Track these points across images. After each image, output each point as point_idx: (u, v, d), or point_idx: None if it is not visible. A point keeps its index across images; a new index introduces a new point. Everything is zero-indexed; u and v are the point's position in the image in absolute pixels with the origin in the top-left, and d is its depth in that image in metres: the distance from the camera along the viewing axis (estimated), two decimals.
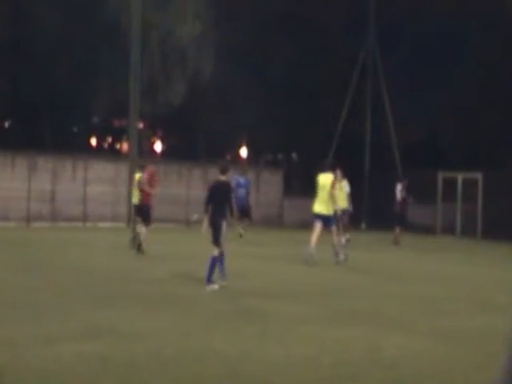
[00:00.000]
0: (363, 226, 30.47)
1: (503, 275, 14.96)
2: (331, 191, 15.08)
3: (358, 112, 31.63)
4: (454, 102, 31.72)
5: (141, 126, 31.39)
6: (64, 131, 34.00)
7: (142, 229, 16.10)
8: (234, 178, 20.26)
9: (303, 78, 32.59)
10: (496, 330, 8.14)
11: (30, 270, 12.55)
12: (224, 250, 11.15)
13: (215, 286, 10.84)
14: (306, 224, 28.56)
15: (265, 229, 25.65)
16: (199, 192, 27.62)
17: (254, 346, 7.18)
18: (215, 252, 11.04)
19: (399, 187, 21.39)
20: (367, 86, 32.44)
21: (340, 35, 32.67)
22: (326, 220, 15.09)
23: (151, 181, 16.45)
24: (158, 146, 38.52)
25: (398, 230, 21.26)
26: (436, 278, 13.77)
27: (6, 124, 35.90)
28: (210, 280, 10.89)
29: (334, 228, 15.22)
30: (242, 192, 21.50)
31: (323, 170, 15.62)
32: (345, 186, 20.26)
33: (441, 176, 28.50)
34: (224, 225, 11.15)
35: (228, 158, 38.06)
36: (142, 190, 16.37)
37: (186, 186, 28.14)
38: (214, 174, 27.76)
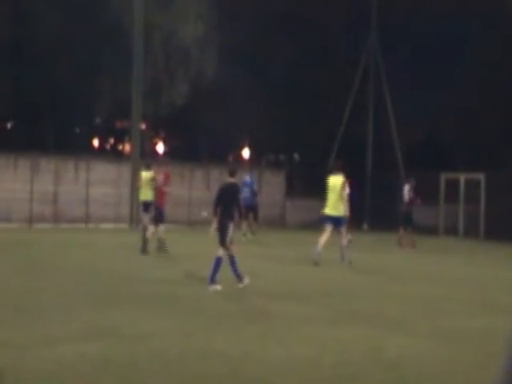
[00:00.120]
0: (365, 226, 30.46)
1: (505, 276, 14.96)
2: (341, 192, 15.12)
3: (360, 112, 31.64)
4: (454, 101, 31.74)
5: (143, 127, 31.44)
6: (66, 132, 34.06)
7: (159, 228, 16.46)
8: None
9: (305, 78, 32.63)
10: (497, 331, 8.14)
11: (32, 271, 12.57)
12: (233, 252, 11.18)
13: (218, 287, 10.86)
14: (308, 225, 28.67)
15: (267, 229, 25.65)
16: (201, 193, 27.71)
17: (255, 347, 7.19)
18: (220, 252, 11.08)
19: (407, 188, 21.11)
20: (369, 86, 32.44)
21: (341, 36, 32.72)
22: (337, 221, 15.16)
23: (166, 182, 17.00)
24: (160, 147, 38.56)
25: (402, 231, 21.04)
26: (438, 279, 13.77)
27: (8, 125, 35.97)
28: (213, 280, 10.92)
29: (343, 230, 15.28)
30: (246, 191, 21.53)
31: (334, 171, 15.63)
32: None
33: (443, 177, 28.47)
34: (231, 226, 11.20)
35: (230, 158, 38.11)
36: (157, 191, 16.77)
37: (188, 187, 28.13)
38: (216, 175, 28.11)
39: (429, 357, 7.08)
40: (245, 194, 21.06)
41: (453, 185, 28.01)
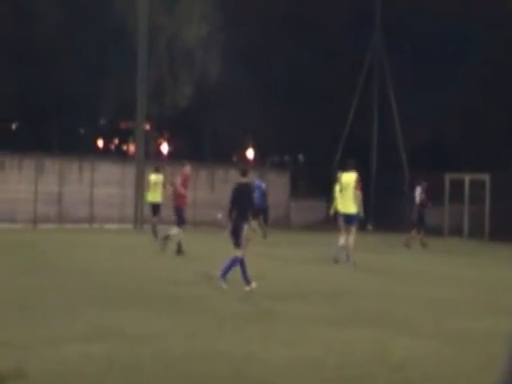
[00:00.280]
0: (370, 227, 30.41)
1: (510, 277, 14.90)
2: (355, 190, 15.14)
3: (365, 113, 31.61)
4: (458, 102, 31.71)
5: (147, 127, 31.47)
6: (71, 133, 34.13)
7: (173, 230, 16.47)
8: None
9: (309, 79, 32.63)
10: (501, 332, 8.09)
11: (36, 272, 12.58)
12: (245, 253, 11.11)
13: (224, 285, 10.85)
14: (312, 225, 28.64)
15: (272, 230, 25.63)
16: (206, 193, 27.72)
17: (259, 347, 7.18)
18: (238, 253, 11.01)
19: (418, 190, 21.02)
20: (374, 85, 32.38)
21: (346, 37, 32.69)
22: (349, 218, 15.25)
23: (185, 183, 16.74)
24: (164, 148, 38.60)
25: (413, 232, 20.97)
26: (443, 280, 13.74)
27: (14, 126, 36.05)
28: (223, 277, 10.91)
29: (354, 228, 15.29)
30: (256, 193, 21.45)
31: (347, 169, 15.64)
32: None
33: (448, 178, 28.42)
34: (246, 227, 11.12)
35: (234, 159, 38.13)
36: (176, 193, 16.63)
37: (192, 188, 28.05)
38: (221, 176, 28.10)
39: (434, 358, 7.06)
40: (255, 195, 21.03)
41: (458, 185, 27.96)
